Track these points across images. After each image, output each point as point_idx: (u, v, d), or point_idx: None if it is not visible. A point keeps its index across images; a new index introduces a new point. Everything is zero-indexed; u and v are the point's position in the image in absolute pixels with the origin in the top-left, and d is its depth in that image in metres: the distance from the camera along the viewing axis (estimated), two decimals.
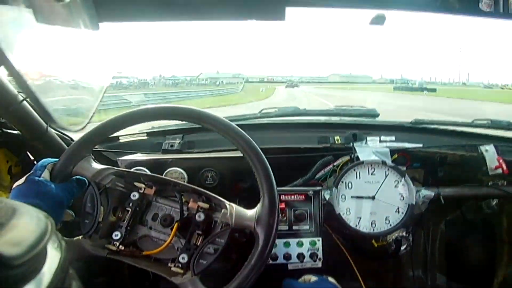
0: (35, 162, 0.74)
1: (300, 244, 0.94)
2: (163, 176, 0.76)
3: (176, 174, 1.00)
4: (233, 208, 0.69)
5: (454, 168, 1.15)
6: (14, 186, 0.67)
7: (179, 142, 1.10)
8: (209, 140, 1.09)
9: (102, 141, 0.74)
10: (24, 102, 0.82)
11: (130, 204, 0.70)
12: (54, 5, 0.47)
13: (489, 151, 1.11)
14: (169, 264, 0.67)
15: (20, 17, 0.39)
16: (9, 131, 0.92)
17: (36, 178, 0.67)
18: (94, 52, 0.58)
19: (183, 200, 0.71)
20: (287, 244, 0.94)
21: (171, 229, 0.69)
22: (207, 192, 0.71)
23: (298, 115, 1.32)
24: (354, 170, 1.03)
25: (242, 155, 0.71)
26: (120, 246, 0.68)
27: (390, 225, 1.01)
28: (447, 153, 1.14)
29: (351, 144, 1.10)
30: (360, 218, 1.01)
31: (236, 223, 0.67)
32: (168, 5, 0.59)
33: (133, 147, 1.10)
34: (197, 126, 0.74)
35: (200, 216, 0.69)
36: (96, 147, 1.00)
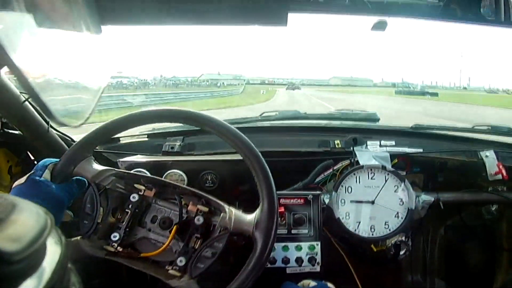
0: (36, 162, 0.75)
1: (299, 248, 0.94)
2: (163, 179, 0.76)
3: (176, 176, 1.00)
4: (232, 212, 0.69)
5: (454, 174, 1.15)
6: (14, 185, 0.67)
7: (180, 144, 1.10)
8: (209, 143, 1.10)
9: (103, 142, 0.75)
10: (26, 102, 0.82)
11: (130, 206, 0.70)
12: (56, 8, 0.47)
13: (489, 157, 1.11)
14: (166, 267, 0.67)
15: (23, 19, 0.39)
16: (10, 131, 0.92)
17: (37, 178, 0.67)
18: (94, 52, 0.58)
19: (183, 202, 0.71)
20: (285, 248, 0.94)
21: (170, 232, 0.69)
22: (207, 195, 0.71)
23: (298, 118, 1.32)
24: (354, 174, 1.03)
25: (242, 158, 0.71)
26: (118, 248, 0.68)
27: (390, 230, 1.01)
28: (447, 158, 1.14)
29: (351, 148, 1.10)
30: (360, 222, 1.01)
31: (234, 227, 0.67)
32: (171, 10, 0.60)
33: (133, 148, 1.10)
34: (198, 128, 0.75)
35: (199, 220, 0.69)
36: (97, 148, 1.00)
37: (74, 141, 0.99)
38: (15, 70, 0.33)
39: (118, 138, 1.14)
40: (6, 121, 0.90)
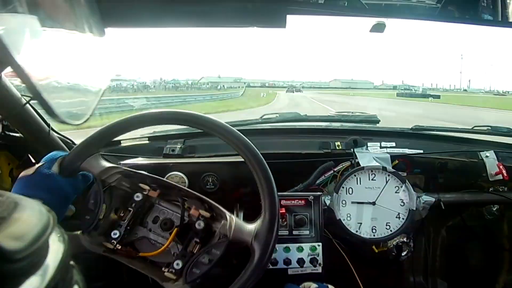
0: None
1: (300, 249, 0.94)
2: (168, 181, 0.76)
3: (177, 178, 1.00)
4: (233, 220, 0.69)
5: (454, 174, 1.16)
6: (21, 175, 0.67)
7: (181, 147, 1.10)
8: (210, 145, 1.10)
9: (111, 140, 0.75)
10: (27, 105, 0.83)
11: (133, 205, 0.71)
12: (60, 10, 0.48)
13: (489, 157, 1.11)
14: (163, 269, 0.67)
15: (26, 21, 0.40)
16: (11, 133, 0.92)
17: (46, 171, 0.67)
18: (95, 53, 0.59)
19: (185, 206, 0.71)
20: (287, 249, 0.94)
21: (170, 234, 0.69)
22: (211, 201, 0.71)
23: (299, 120, 1.32)
24: (355, 175, 1.03)
25: (243, 160, 0.71)
26: (117, 245, 0.68)
27: (391, 230, 1.01)
28: (448, 159, 1.14)
29: (352, 150, 1.10)
30: (361, 223, 1.01)
31: (234, 236, 0.67)
32: (172, 12, 0.61)
33: (134, 151, 1.10)
34: (199, 130, 0.75)
35: (200, 224, 0.69)
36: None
37: (75, 144, 0.99)
38: (18, 70, 0.33)
39: (119, 140, 1.15)
40: (7, 124, 0.90)
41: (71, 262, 0.31)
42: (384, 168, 1.03)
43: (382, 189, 1.02)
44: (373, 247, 1.05)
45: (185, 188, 0.73)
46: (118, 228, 0.69)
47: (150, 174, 0.73)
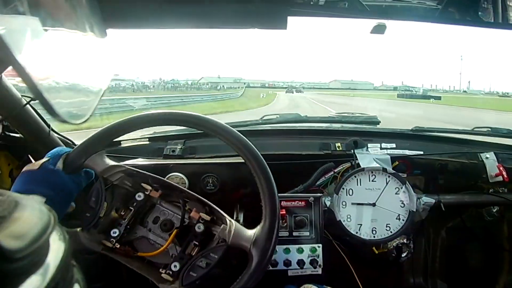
0: None
1: (300, 251, 0.94)
2: (170, 182, 0.76)
3: (177, 179, 1.00)
4: (233, 225, 0.69)
5: (454, 176, 1.16)
6: (25, 169, 0.68)
7: (181, 148, 1.10)
8: (210, 146, 1.10)
9: (115, 138, 0.75)
10: (28, 105, 0.83)
11: (134, 204, 0.71)
12: (61, 11, 0.48)
13: (489, 159, 1.11)
14: (160, 270, 0.67)
15: (28, 21, 0.40)
16: (11, 134, 0.92)
17: (52, 167, 0.67)
18: (96, 54, 0.59)
19: (187, 207, 0.71)
20: (287, 251, 0.94)
21: (169, 235, 0.69)
22: (212, 204, 0.71)
23: (299, 121, 1.32)
24: (355, 177, 1.03)
25: (243, 161, 0.71)
26: (116, 244, 0.68)
27: (391, 232, 1.01)
28: (448, 161, 1.14)
29: (352, 151, 1.10)
30: (361, 225, 1.01)
31: (233, 241, 0.67)
32: (173, 13, 0.61)
33: (134, 152, 1.10)
34: (199, 131, 0.75)
35: (200, 227, 0.69)
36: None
37: (75, 144, 0.99)
38: (19, 70, 0.33)
39: (119, 141, 1.15)
40: (7, 124, 0.90)
41: (72, 261, 0.31)
42: (384, 169, 1.03)
43: (382, 190, 1.02)
44: (373, 248, 1.05)
45: (187, 190, 0.73)
46: (118, 226, 0.69)
47: (153, 174, 0.73)
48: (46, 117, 0.91)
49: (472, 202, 1.12)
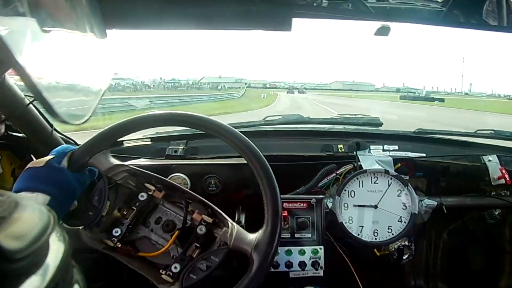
0: None
1: (302, 252, 0.94)
2: (174, 183, 0.76)
3: (179, 180, 1.00)
4: (235, 228, 0.69)
5: (457, 178, 1.15)
6: (30, 165, 0.68)
7: (183, 148, 1.10)
8: (212, 147, 1.10)
9: (120, 137, 0.76)
10: (30, 105, 0.83)
11: (137, 204, 0.71)
12: (61, 11, 0.48)
13: (492, 161, 1.11)
14: (160, 271, 0.67)
15: (28, 22, 0.40)
16: (14, 133, 0.92)
17: (57, 165, 0.67)
18: (96, 54, 0.59)
19: (189, 209, 0.71)
20: (289, 252, 0.94)
21: (171, 236, 0.69)
22: (214, 206, 0.71)
23: (301, 123, 1.32)
24: (357, 178, 1.03)
25: (245, 162, 0.71)
26: (118, 243, 0.68)
27: (393, 234, 1.01)
28: (450, 163, 1.14)
29: (354, 153, 1.10)
30: (363, 227, 1.01)
31: (234, 244, 0.67)
32: (176, 14, 0.60)
33: (136, 152, 1.10)
34: (201, 132, 0.75)
35: (202, 229, 0.69)
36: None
37: (78, 144, 0.99)
38: (20, 71, 0.33)
39: (122, 141, 1.15)
40: (10, 124, 0.90)
41: (72, 262, 0.31)
42: (386, 171, 1.02)
43: (384, 193, 1.02)
44: (375, 250, 1.05)
45: (190, 191, 0.73)
46: (120, 226, 0.69)
47: (156, 175, 0.73)
48: (48, 116, 0.91)
49: (474, 204, 1.12)
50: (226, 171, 1.03)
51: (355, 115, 1.41)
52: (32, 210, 0.29)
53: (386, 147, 1.13)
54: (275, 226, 0.67)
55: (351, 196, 1.02)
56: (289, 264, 0.92)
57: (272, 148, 1.10)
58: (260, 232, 0.68)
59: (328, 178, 1.07)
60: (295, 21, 0.59)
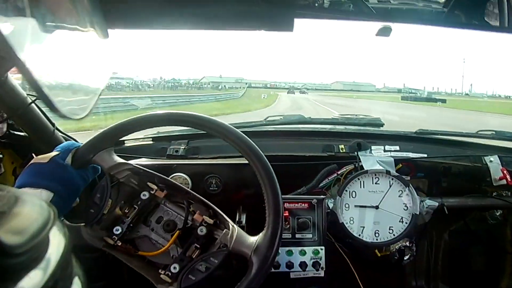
0: None
1: (303, 253, 0.94)
2: (176, 182, 0.77)
3: (180, 179, 1.00)
4: (235, 231, 0.69)
5: (458, 179, 1.15)
6: (34, 161, 0.68)
7: (184, 148, 1.10)
8: (214, 146, 1.10)
9: (124, 136, 0.76)
10: (33, 104, 0.83)
11: (139, 203, 0.71)
12: (63, 11, 0.48)
13: (493, 162, 1.11)
14: (160, 270, 0.67)
15: (31, 21, 0.40)
16: (16, 132, 0.93)
17: (61, 161, 0.68)
18: (95, 52, 0.59)
19: (191, 209, 0.71)
20: (289, 253, 0.94)
21: (172, 236, 0.69)
22: (215, 208, 0.71)
23: (303, 123, 1.32)
24: (358, 179, 1.03)
25: (247, 162, 0.71)
26: (118, 242, 0.68)
27: (394, 235, 1.01)
28: (452, 163, 1.14)
29: (356, 153, 1.10)
30: (364, 227, 1.01)
31: (234, 247, 0.67)
32: (179, 14, 0.60)
33: (138, 151, 1.10)
34: (202, 132, 0.75)
35: (202, 230, 0.69)
36: None
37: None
38: (23, 70, 0.34)
39: (123, 141, 1.15)
40: (12, 123, 0.90)
41: (72, 257, 0.31)
42: (387, 172, 1.02)
43: (386, 193, 1.02)
44: (376, 251, 1.05)
45: (192, 191, 0.73)
46: (121, 224, 0.69)
47: (159, 174, 0.73)
48: (50, 114, 0.92)
49: (476, 205, 1.12)
50: (227, 171, 1.03)
51: (356, 115, 1.41)
52: (32, 205, 0.29)
53: (387, 147, 1.13)
54: (276, 228, 0.67)
55: (352, 197, 1.02)
56: (290, 265, 0.92)
57: (273, 148, 1.10)
58: (261, 235, 0.68)
59: (329, 178, 1.07)
60: (297, 22, 0.59)
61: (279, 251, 0.91)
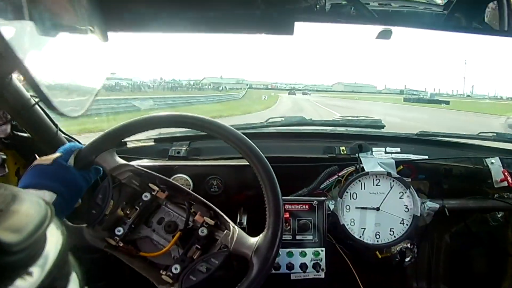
0: None
1: (303, 254, 0.94)
2: (178, 184, 0.77)
3: (181, 180, 1.01)
4: (236, 232, 0.69)
5: (459, 180, 1.15)
6: (37, 162, 0.68)
7: (186, 149, 1.10)
8: (215, 148, 1.10)
9: (126, 137, 0.77)
10: (36, 106, 0.84)
11: (140, 204, 0.71)
12: (63, 14, 0.49)
13: (494, 164, 1.11)
14: (161, 271, 0.68)
15: (32, 25, 0.41)
16: (19, 133, 0.93)
17: (64, 163, 0.68)
18: (93, 53, 0.59)
19: (192, 210, 0.72)
20: (290, 254, 0.94)
21: (173, 237, 0.70)
22: (216, 209, 0.72)
23: (303, 124, 1.32)
24: (359, 181, 1.03)
25: (248, 163, 0.71)
26: (120, 242, 0.69)
27: (395, 236, 1.01)
28: (453, 165, 1.14)
29: (357, 155, 1.10)
30: (365, 229, 1.01)
31: (234, 248, 0.67)
32: (179, 18, 0.61)
33: (139, 152, 1.11)
34: (204, 133, 0.76)
35: (203, 231, 0.69)
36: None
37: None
38: (25, 73, 0.34)
39: (125, 142, 1.15)
40: (15, 124, 0.91)
41: (69, 255, 0.32)
42: (388, 174, 1.02)
43: (386, 195, 1.02)
44: (377, 252, 1.05)
45: (193, 193, 0.74)
46: (122, 225, 0.70)
47: (161, 175, 0.74)
48: (54, 117, 0.92)
49: (477, 207, 1.12)
50: (228, 172, 1.04)
51: (357, 117, 1.41)
52: (29, 203, 0.29)
53: (388, 149, 1.13)
54: (276, 229, 0.67)
55: (353, 198, 1.02)
56: (290, 266, 0.93)
57: (274, 149, 1.10)
58: (261, 236, 0.68)
59: (330, 180, 1.07)
60: (297, 24, 0.59)
61: (280, 253, 0.91)
